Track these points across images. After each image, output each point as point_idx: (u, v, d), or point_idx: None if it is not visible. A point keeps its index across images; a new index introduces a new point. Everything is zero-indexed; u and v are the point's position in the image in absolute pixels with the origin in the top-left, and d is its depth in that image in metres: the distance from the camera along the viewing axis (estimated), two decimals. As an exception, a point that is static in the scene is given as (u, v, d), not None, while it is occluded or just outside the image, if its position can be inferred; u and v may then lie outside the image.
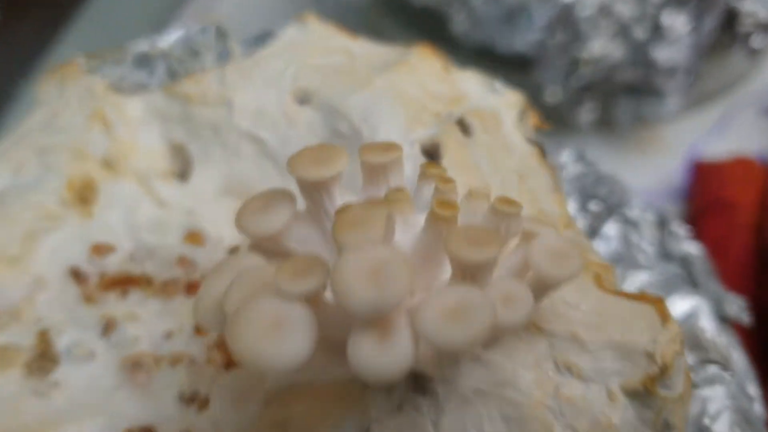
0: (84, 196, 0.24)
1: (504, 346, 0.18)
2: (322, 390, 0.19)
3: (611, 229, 0.27)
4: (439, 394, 0.18)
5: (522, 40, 0.38)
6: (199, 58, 0.27)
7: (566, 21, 0.37)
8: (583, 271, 0.20)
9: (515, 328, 0.16)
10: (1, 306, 0.22)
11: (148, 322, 0.22)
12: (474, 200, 0.18)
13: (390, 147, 0.19)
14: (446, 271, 0.17)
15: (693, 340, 0.24)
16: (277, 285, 0.15)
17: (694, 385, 0.23)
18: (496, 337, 0.18)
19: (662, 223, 0.28)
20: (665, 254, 0.28)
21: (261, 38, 0.27)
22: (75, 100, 0.26)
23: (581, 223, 0.28)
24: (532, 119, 0.25)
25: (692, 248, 0.28)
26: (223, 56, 0.26)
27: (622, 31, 0.37)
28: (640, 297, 0.19)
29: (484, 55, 0.40)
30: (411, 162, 0.22)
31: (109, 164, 0.25)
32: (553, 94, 0.39)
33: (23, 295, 0.22)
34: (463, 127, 0.23)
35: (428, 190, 0.19)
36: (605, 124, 0.40)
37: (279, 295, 0.15)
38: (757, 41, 0.39)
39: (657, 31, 0.37)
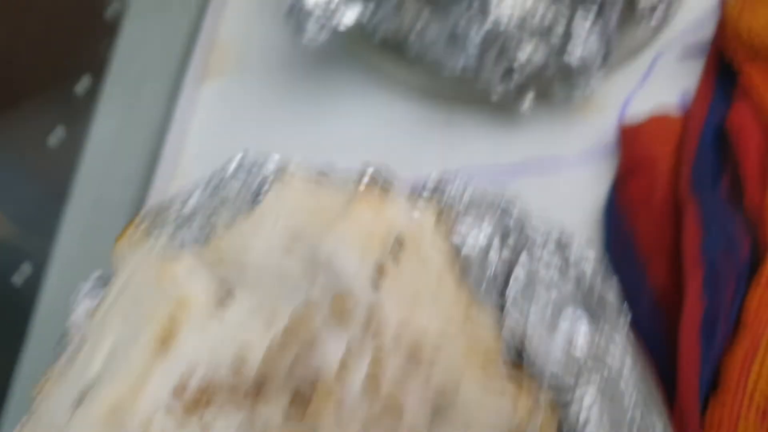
0: (166, 341, 0.38)
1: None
2: None
3: (520, 272, 0.38)
4: None
5: (464, 58, 0.47)
6: (217, 214, 0.38)
7: (494, 38, 0.45)
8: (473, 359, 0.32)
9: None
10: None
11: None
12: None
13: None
14: None
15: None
16: None
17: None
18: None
19: (562, 248, 0.38)
20: (565, 276, 0.39)
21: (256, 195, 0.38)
22: (144, 263, 0.39)
23: (505, 254, 0.39)
24: (445, 222, 0.36)
25: (587, 266, 0.38)
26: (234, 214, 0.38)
27: (541, 38, 0.45)
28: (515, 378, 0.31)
29: (437, 71, 0.49)
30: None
31: (181, 306, 0.38)
32: (497, 94, 0.48)
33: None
34: (395, 254, 0.35)
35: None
36: (546, 106, 0.49)
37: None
38: (655, 19, 0.46)
39: (568, 35, 0.45)
